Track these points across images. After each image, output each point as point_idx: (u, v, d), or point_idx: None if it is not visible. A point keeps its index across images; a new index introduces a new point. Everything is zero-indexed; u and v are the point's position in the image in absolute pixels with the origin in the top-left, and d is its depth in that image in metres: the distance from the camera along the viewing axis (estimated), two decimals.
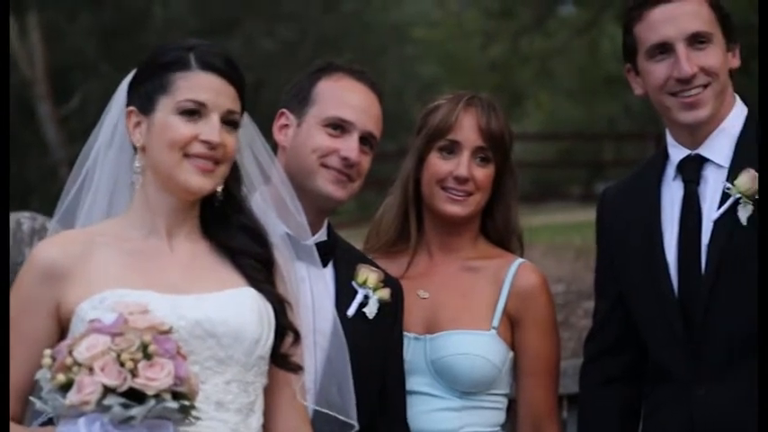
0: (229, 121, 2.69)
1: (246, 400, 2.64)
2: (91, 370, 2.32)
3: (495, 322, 3.26)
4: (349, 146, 3.10)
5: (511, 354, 3.28)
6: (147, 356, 2.34)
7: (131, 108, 2.71)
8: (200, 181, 2.66)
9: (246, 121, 2.79)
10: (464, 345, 3.23)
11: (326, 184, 3.10)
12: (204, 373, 2.57)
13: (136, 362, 2.33)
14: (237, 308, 2.64)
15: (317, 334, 3.00)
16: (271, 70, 18.66)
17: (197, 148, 2.65)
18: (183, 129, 2.65)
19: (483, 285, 3.30)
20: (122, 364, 2.33)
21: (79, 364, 2.33)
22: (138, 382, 2.32)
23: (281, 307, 2.71)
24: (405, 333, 3.24)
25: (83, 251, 2.64)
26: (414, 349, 3.25)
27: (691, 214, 3.07)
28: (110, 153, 2.76)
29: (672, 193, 3.12)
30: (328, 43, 19.51)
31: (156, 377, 2.32)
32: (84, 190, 2.77)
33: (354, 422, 2.86)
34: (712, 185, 3.07)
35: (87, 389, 2.31)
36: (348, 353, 2.90)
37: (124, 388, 2.32)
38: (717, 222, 3.02)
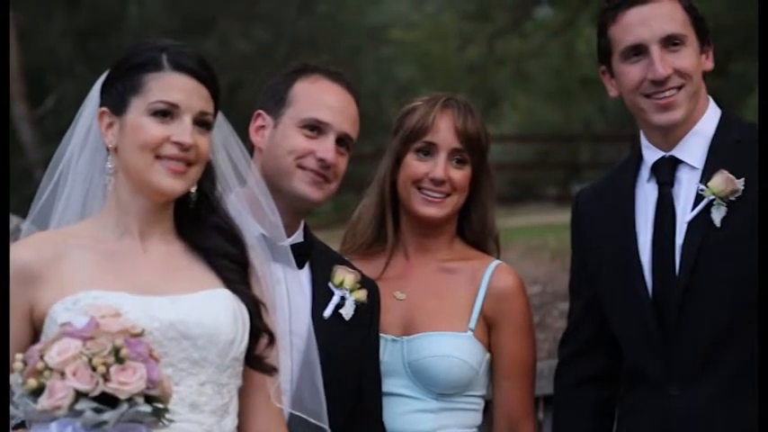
0: (202, 122, 2.67)
1: (221, 402, 2.63)
2: (62, 375, 2.30)
3: (472, 324, 3.27)
4: (325, 147, 3.09)
5: (487, 355, 3.29)
6: (120, 360, 2.33)
7: (104, 109, 2.69)
8: (172, 183, 2.64)
9: (221, 120, 2.78)
10: (441, 346, 3.23)
11: (303, 186, 3.09)
12: (178, 374, 2.56)
13: (108, 366, 2.31)
14: (212, 309, 2.63)
15: (293, 335, 2.99)
16: (246, 71, 18.61)
17: (169, 149, 2.63)
18: (155, 130, 2.64)
19: (460, 287, 3.31)
20: (94, 369, 2.31)
21: (50, 369, 2.31)
22: (111, 387, 2.30)
23: (255, 308, 2.70)
24: (382, 335, 3.24)
25: (56, 253, 2.62)
26: (391, 351, 3.25)
27: (665, 216, 3.08)
28: (84, 154, 2.74)
29: (646, 195, 3.13)
30: (304, 44, 19.49)
31: (128, 381, 2.31)
32: (59, 191, 2.75)
33: (326, 426, 2.86)
34: (686, 187, 3.08)
35: (59, 394, 2.30)
36: (318, 356, 2.89)
37: (96, 392, 2.30)
38: (690, 224, 3.04)
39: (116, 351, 2.34)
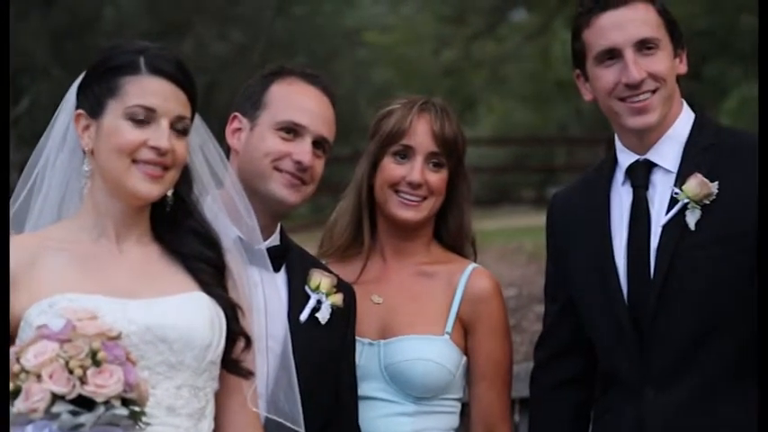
0: (179, 127, 2.67)
1: (197, 405, 2.63)
2: (39, 377, 2.30)
3: (449, 327, 3.28)
4: (302, 149, 3.09)
5: (464, 359, 3.30)
6: (97, 363, 2.32)
7: (80, 111, 2.69)
8: (149, 187, 2.64)
9: (198, 123, 2.77)
10: (417, 350, 3.23)
11: (280, 188, 3.09)
12: (155, 378, 2.55)
13: (85, 369, 2.31)
14: (188, 313, 2.63)
15: (269, 339, 2.99)
16: (223, 73, 18.56)
17: (145, 154, 2.63)
18: (132, 134, 2.63)
19: (436, 290, 3.31)
20: (71, 372, 2.30)
21: (27, 372, 2.31)
22: (88, 390, 2.30)
23: (232, 312, 2.70)
24: (358, 338, 3.24)
25: (31, 256, 2.61)
26: (367, 355, 3.25)
27: (640, 219, 3.10)
28: (61, 156, 2.73)
29: (621, 198, 3.15)
30: (281, 47, 19.46)
31: (105, 384, 2.30)
32: (35, 193, 2.75)
33: (302, 430, 2.86)
34: (661, 190, 3.10)
35: (35, 396, 2.29)
36: (294, 360, 2.89)
37: (73, 395, 2.30)
38: (665, 227, 3.05)
39: (93, 354, 2.33)
